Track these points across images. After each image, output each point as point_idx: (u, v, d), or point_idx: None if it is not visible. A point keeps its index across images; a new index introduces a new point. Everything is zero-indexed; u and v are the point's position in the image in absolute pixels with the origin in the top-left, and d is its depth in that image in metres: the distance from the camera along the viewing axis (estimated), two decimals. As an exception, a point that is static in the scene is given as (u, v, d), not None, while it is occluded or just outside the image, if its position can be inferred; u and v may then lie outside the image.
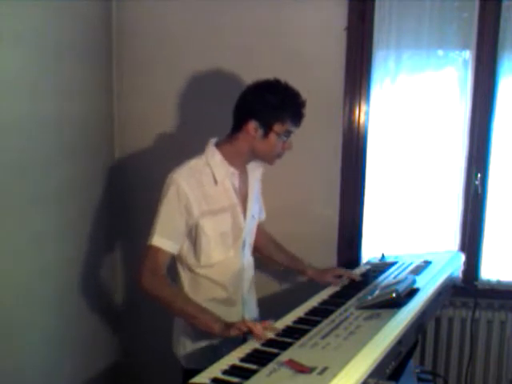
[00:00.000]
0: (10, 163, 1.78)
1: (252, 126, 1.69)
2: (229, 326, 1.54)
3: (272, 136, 1.70)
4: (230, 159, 1.75)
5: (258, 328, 1.47)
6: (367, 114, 2.41)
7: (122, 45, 2.51)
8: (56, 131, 2.05)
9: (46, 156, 1.99)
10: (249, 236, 1.87)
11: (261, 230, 2.03)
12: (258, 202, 1.95)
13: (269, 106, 1.68)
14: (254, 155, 1.77)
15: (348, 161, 2.44)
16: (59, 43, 2.05)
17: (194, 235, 1.72)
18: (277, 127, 1.70)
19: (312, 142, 2.42)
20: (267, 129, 1.69)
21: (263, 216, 2.05)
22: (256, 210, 1.93)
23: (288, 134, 1.73)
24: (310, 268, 2.08)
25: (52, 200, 2.04)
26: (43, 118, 1.96)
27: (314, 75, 2.36)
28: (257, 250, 1.99)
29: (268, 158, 1.78)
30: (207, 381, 1.24)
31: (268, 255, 2.10)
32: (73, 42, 2.15)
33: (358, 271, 2.10)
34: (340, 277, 2.01)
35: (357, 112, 2.41)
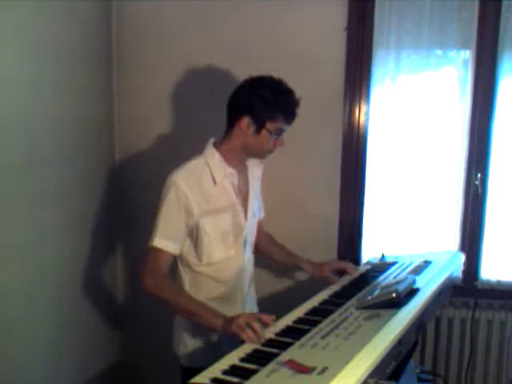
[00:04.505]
0: (11, 163, 1.78)
1: (245, 122, 1.70)
2: (230, 321, 1.54)
3: (264, 133, 1.71)
4: (227, 158, 1.75)
5: (253, 335, 1.46)
6: (367, 114, 2.41)
7: (122, 45, 2.51)
8: (56, 131, 2.05)
9: (46, 156, 1.99)
10: (250, 234, 1.87)
11: (258, 227, 2.02)
12: (257, 200, 1.95)
13: (263, 103, 1.68)
14: (246, 151, 1.77)
15: (348, 161, 2.44)
16: (59, 43, 2.05)
17: (194, 235, 1.73)
18: (269, 125, 1.70)
19: (312, 141, 2.43)
20: (260, 125, 1.70)
21: (262, 214, 2.04)
22: (257, 208, 1.93)
23: (280, 131, 1.74)
24: (305, 263, 2.04)
25: (52, 200, 2.04)
26: (43, 118, 1.96)
27: (314, 75, 2.36)
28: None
29: (259, 155, 1.80)
30: (207, 381, 1.24)
31: (262, 250, 2.07)
32: (73, 41, 2.15)
33: (357, 271, 2.09)
34: (338, 272, 1.99)
35: (357, 112, 2.41)
